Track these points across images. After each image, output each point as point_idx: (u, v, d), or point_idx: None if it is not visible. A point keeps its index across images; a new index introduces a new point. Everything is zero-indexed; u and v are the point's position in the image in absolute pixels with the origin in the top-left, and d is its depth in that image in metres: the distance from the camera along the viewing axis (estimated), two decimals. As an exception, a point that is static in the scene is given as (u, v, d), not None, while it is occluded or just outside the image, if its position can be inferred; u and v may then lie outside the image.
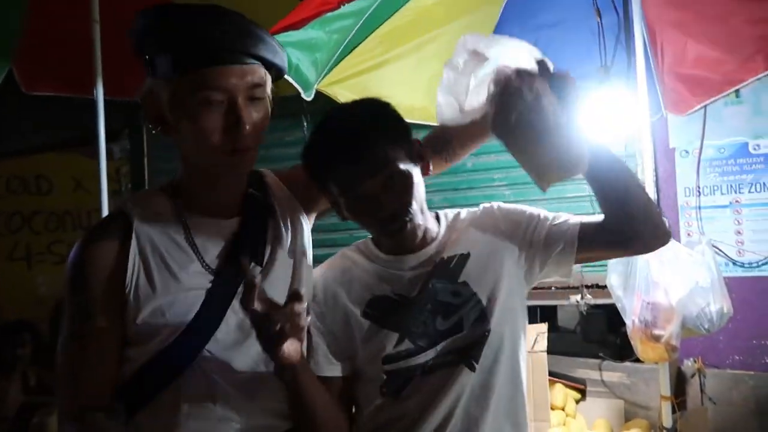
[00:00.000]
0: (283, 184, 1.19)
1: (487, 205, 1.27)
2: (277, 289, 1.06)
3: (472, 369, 1.12)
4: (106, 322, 0.97)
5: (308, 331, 1.12)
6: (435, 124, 2.68)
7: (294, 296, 0.92)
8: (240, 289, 1.01)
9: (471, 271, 1.16)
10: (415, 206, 1.10)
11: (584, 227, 1.15)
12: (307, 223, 1.18)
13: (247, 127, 0.96)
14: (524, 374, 1.18)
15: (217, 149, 0.97)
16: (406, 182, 1.10)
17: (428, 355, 1.12)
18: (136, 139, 3.49)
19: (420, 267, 1.17)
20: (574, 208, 2.51)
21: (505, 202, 2.68)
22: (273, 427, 1.07)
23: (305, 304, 0.93)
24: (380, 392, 1.13)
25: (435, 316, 1.13)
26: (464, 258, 1.17)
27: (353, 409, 1.21)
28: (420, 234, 1.16)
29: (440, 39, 2.38)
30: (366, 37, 2.12)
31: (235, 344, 1.02)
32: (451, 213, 1.26)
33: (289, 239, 1.12)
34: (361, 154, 1.06)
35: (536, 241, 1.17)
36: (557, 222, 1.18)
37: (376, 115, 1.13)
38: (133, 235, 1.00)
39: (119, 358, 0.99)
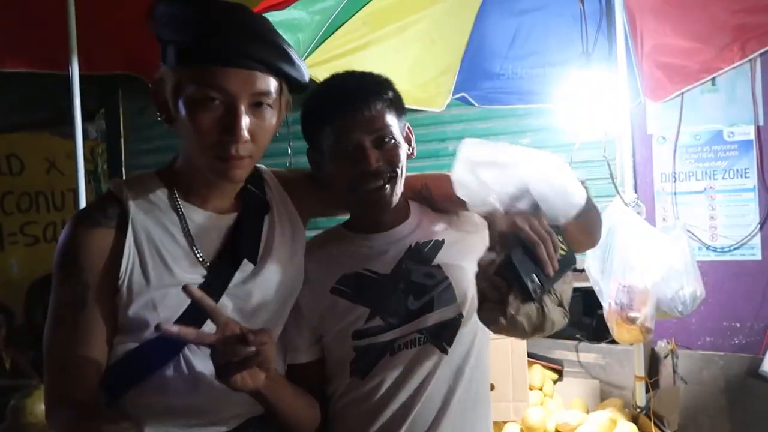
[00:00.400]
0: (280, 183, 1.18)
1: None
2: (268, 286, 1.07)
3: (444, 351, 1.13)
4: (100, 310, 0.96)
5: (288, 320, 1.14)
6: (416, 107, 2.69)
7: (259, 332, 0.86)
8: (233, 282, 1.02)
9: (445, 256, 1.17)
10: (398, 172, 1.11)
11: None
12: (300, 224, 1.17)
13: (244, 134, 0.92)
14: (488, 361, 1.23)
15: (208, 152, 0.94)
16: (396, 148, 1.11)
17: (396, 333, 1.12)
18: (112, 118, 3.42)
19: (391, 245, 1.17)
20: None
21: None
22: (253, 415, 1.07)
23: (271, 340, 0.89)
24: (350, 370, 1.14)
25: (407, 296, 1.13)
26: (439, 243, 1.18)
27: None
28: (392, 205, 1.14)
29: (423, 21, 2.38)
30: (349, 19, 2.12)
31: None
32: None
33: (284, 237, 1.12)
34: (364, 106, 1.08)
35: None
36: None
37: (382, 83, 1.14)
38: (129, 225, 0.98)
39: (108, 346, 0.98)
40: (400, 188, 1.14)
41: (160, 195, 1.02)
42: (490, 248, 0.97)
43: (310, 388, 1.15)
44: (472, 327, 1.16)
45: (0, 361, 3.45)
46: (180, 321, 0.97)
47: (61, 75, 2.71)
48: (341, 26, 2.10)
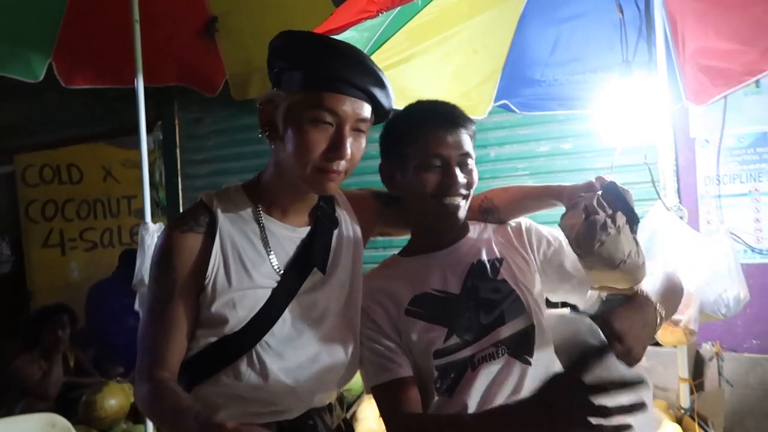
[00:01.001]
0: (348, 200, 1.30)
1: (519, 220, 1.35)
2: (333, 295, 1.18)
3: (528, 363, 1.18)
4: (184, 304, 1.09)
5: (369, 339, 1.20)
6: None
7: None
8: (302, 288, 1.14)
9: (507, 271, 1.24)
10: (471, 193, 1.23)
11: None
12: (361, 240, 1.27)
13: (347, 153, 1.06)
14: None
15: (314, 164, 1.06)
16: (473, 172, 1.23)
17: (474, 348, 1.17)
18: (169, 130, 3.61)
19: (453, 262, 1.25)
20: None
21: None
22: (314, 407, 1.18)
23: None
24: (435, 389, 1.18)
25: (478, 312, 1.19)
26: (500, 261, 1.25)
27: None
28: (462, 221, 1.25)
29: (463, 33, 2.46)
30: (393, 34, 2.20)
31: (289, 339, 1.13)
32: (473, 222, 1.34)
33: (350, 251, 1.23)
34: (456, 129, 1.21)
35: (551, 267, 1.28)
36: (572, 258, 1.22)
37: (468, 116, 1.26)
38: (218, 232, 1.11)
39: (190, 335, 1.11)
40: (467, 207, 1.24)
41: (244, 206, 1.16)
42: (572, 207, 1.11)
43: (416, 400, 1.17)
44: (543, 333, 1.21)
45: (65, 360, 3.62)
46: (254, 319, 1.10)
47: (119, 89, 2.91)
48: (386, 41, 2.19)
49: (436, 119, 1.22)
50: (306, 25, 1.65)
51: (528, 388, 1.16)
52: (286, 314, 1.13)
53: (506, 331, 1.19)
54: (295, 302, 1.14)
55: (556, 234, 1.29)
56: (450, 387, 1.17)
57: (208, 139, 3.53)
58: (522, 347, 1.19)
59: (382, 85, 1.10)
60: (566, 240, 1.14)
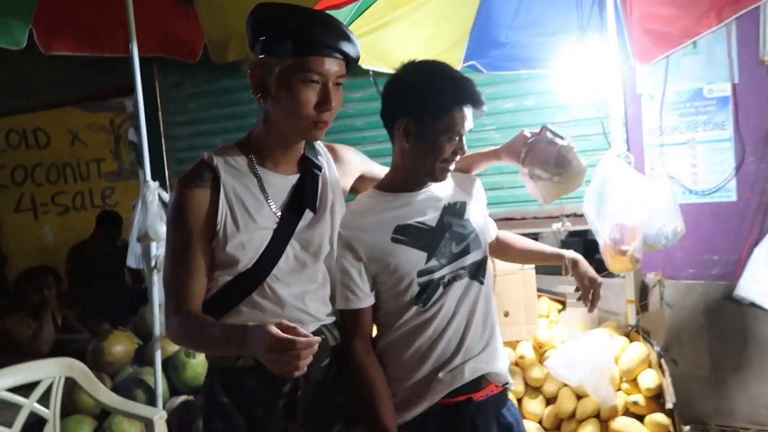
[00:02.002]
0: (328, 150, 1.49)
1: (470, 176, 1.64)
2: (324, 230, 1.39)
3: (482, 284, 1.49)
4: (201, 249, 1.28)
5: (342, 269, 1.43)
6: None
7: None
8: (298, 228, 1.34)
9: (470, 212, 1.52)
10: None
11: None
12: (340, 191, 1.45)
13: (333, 105, 1.26)
14: None
15: (306, 118, 1.26)
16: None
17: (446, 270, 1.45)
18: (149, 94, 3.67)
19: (429, 202, 1.49)
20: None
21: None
22: (325, 323, 1.41)
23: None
24: (414, 302, 1.43)
25: (451, 242, 1.46)
26: (465, 204, 1.53)
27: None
28: None
29: (434, 1, 2.64)
30: (375, 1, 2.38)
31: (293, 270, 1.35)
32: None
33: (334, 192, 1.43)
34: (479, 109, 1.40)
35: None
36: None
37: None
38: (221, 185, 1.29)
39: (207, 276, 1.30)
40: None
41: (241, 162, 1.33)
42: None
43: (367, 329, 1.44)
44: (489, 264, 1.53)
45: (53, 318, 3.72)
46: (262, 256, 1.31)
47: (93, 57, 2.94)
48: (368, 8, 2.37)
49: (468, 99, 1.38)
50: (312, 2, 1.80)
51: (480, 306, 1.47)
52: (288, 250, 1.32)
53: (470, 259, 1.47)
54: (293, 240, 1.34)
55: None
56: (426, 299, 1.43)
57: (189, 102, 3.63)
58: (479, 272, 1.48)
59: (352, 43, 1.29)
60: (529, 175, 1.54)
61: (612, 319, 2.63)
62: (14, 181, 5.45)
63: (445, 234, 1.46)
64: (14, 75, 3.83)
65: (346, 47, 1.27)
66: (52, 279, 3.82)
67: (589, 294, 1.66)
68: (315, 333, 1.38)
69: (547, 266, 2.91)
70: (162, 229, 2.45)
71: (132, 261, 2.78)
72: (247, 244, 1.29)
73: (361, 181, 1.55)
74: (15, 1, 2.61)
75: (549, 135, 1.50)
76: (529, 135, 1.56)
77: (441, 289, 1.44)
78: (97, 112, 5.62)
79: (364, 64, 2.57)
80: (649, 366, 2.16)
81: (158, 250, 2.56)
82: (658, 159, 2.82)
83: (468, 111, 1.38)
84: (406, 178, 1.49)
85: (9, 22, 2.61)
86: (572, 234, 3.21)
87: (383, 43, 2.53)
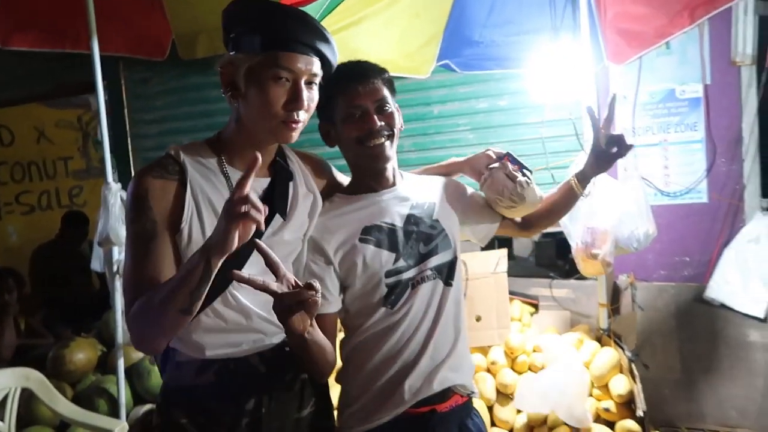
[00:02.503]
0: (299, 158, 1.45)
1: (441, 177, 1.62)
2: (293, 238, 1.34)
3: (450, 285, 1.46)
4: (164, 241, 1.18)
5: (311, 273, 1.39)
6: (403, 75, 2.93)
7: (308, 285, 1.07)
8: (266, 233, 1.28)
9: (439, 213, 1.49)
10: (394, 132, 1.42)
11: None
12: (317, 190, 1.43)
13: (305, 103, 1.21)
14: None
15: (275, 117, 1.20)
16: (392, 114, 1.42)
17: (415, 271, 1.42)
18: (114, 91, 3.58)
19: (395, 201, 1.46)
20: (528, 149, 2.86)
21: (469, 145, 2.99)
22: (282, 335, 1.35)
23: (319, 290, 1.08)
24: (382, 304, 1.41)
25: (419, 242, 1.44)
26: (433, 204, 1.50)
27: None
28: (389, 165, 1.46)
29: (407, -3, 2.60)
30: (345, -2, 2.33)
31: (261, 275, 1.24)
32: (406, 172, 1.60)
33: (305, 200, 1.39)
34: (368, 81, 1.39)
35: (471, 211, 1.59)
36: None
37: (380, 67, 1.45)
38: (188, 181, 1.21)
39: (170, 272, 1.18)
40: (395, 145, 1.44)
41: (210, 161, 1.26)
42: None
43: (332, 333, 1.38)
44: (460, 268, 1.50)
45: (16, 323, 3.61)
46: (227, 261, 1.18)
47: (58, 52, 2.86)
48: (339, 5, 2.32)
49: (349, 76, 1.39)
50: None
51: (449, 308, 1.45)
52: (254, 256, 1.25)
53: (438, 260, 1.44)
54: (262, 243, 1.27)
55: (471, 190, 1.63)
56: (394, 301, 1.41)
57: (157, 99, 3.54)
58: (448, 273, 1.46)
59: (327, 42, 1.26)
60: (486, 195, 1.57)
61: (584, 321, 2.63)
62: (-24, 180, 5.28)
63: (412, 234, 1.44)
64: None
65: (319, 44, 1.23)
66: (13, 282, 3.71)
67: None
68: (280, 345, 1.34)
69: (516, 270, 2.93)
70: (124, 232, 2.37)
71: (97, 264, 2.71)
72: None
73: (332, 190, 1.52)
74: None
75: (510, 166, 1.52)
76: (493, 156, 1.58)
77: (409, 290, 1.41)
78: (64, 109, 5.47)
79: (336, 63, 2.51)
80: (620, 371, 2.15)
81: (120, 254, 2.48)
82: (631, 160, 2.81)
83: (362, 84, 1.38)
84: (360, 178, 1.48)
85: None
86: (546, 235, 3.21)
87: (354, 41, 2.48)
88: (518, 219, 1.63)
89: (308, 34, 1.21)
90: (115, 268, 2.51)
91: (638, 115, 2.84)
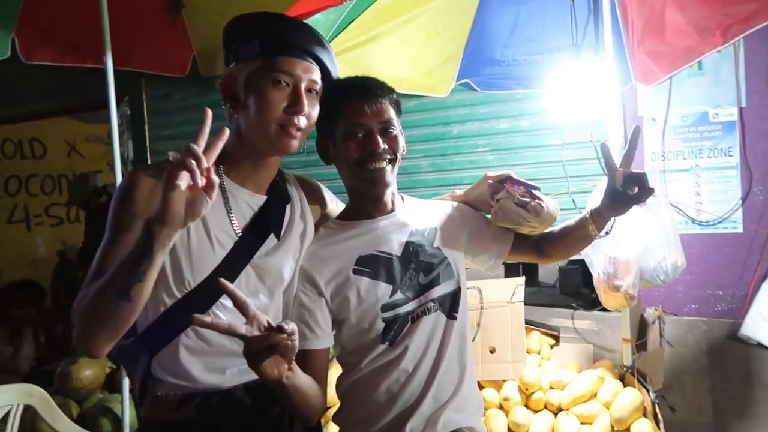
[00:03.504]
0: (299, 183, 1.40)
1: (446, 201, 1.55)
2: (285, 262, 1.27)
3: (454, 318, 1.36)
4: (134, 239, 1.07)
5: (301, 304, 1.31)
6: (421, 93, 2.86)
7: (279, 328, 0.99)
8: (258, 253, 1.21)
9: (441, 240, 1.40)
10: (396, 157, 1.34)
11: (517, 241, 1.50)
12: (311, 218, 1.37)
13: (305, 108, 1.18)
14: None
15: (274, 121, 1.17)
16: (396, 138, 1.34)
17: (415, 303, 1.33)
18: (136, 105, 3.61)
19: (393, 228, 1.38)
20: (550, 171, 2.74)
21: (488, 166, 2.89)
22: None
23: (293, 332, 1.00)
24: (380, 340, 1.32)
25: (418, 272, 1.35)
26: (435, 230, 1.41)
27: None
28: (388, 191, 1.37)
29: (427, 13, 2.54)
30: (358, 15, 2.28)
31: (248, 296, 1.18)
32: (407, 196, 1.51)
33: (300, 225, 1.33)
34: (374, 100, 1.31)
35: (475, 239, 1.49)
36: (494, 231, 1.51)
37: (388, 86, 1.38)
38: None
39: None
40: (396, 170, 1.36)
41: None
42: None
43: (321, 372, 1.30)
44: (465, 300, 1.40)
45: (36, 335, 3.63)
46: (210, 277, 1.16)
47: (85, 67, 2.90)
48: (352, 22, 2.26)
49: (355, 92, 1.32)
50: (273, 4, 1.72)
51: (453, 343, 1.34)
52: (242, 276, 1.20)
53: (439, 291, 1.35)
54: (249, 267, 1.22)
55: (479, 215, 1.52)
56: (393, 337, 1.32)
57: (176, 114, 3.54)
58: (451, 306, 1.36)
59: (326, 50, 1.25)
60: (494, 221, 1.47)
61: (607, 356, 2.47)
62: (8, 191, 5.41)
63: (410, 264, 1.35)
64: (8, 83, 3.78)
65: (318, 51, 1.22)
66: (34, 295, 3.75)
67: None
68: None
69: (539, 297, 2.80)
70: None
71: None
72: (196, 258, 1.16)
73: (323, 219, 1.45)
74: None
75: (517, 193, 1.42)
76: (491, 181, 1.47)
77: (409, 324, 1.32)
78: (95, 123, 5.59)
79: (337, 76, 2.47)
80: (644, 414, 1.99)
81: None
82: (660, 186, 2.67)
83: (368, 103, 1.30)
84: (357, 202, 1.41)
85: None
86: (572, 261, 3.07)
87: (369, 58, 2.42)
88: (534, 241, 1.52)
89: (307, 40, 1.21)
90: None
91: (668, 138, 2.70)
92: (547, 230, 1.50)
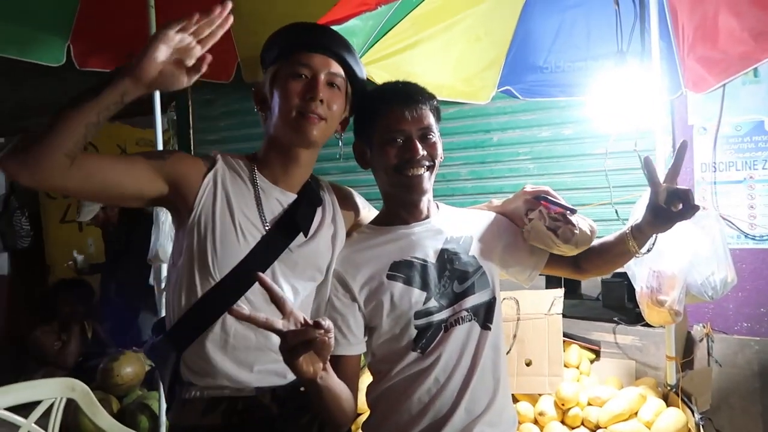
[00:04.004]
0: (333, 191, 1.41)
1: (483, 211, 1.52)
2: (312, 262, 1.27)
3: (488, 329, 1.33)
4: (142, 166, 1.14)
5: (334, 309, 1.30)
6: (461, 101, 2.83)
7: (317, 324, 0.98)
8: (285, 249, 1.22)
9: (476, 249, 1.38)
10: (435, 164, 1.33)
11: (553, 256, 1.44)
12: (343, 223, 1.37)
13: (320, 95, 1.21)
14: None
15: (293, 109, 1.21)
16: (435, 144, 1.33)
17: (448, 312, 1.31)
18: (182, 111, 3.70)
19: (428, 234, 1.36)
20: (593, 181, 2.67)
21: (528, 175, 2.84)
22: None
23: (330, 329, 0.99)
24: (411, 348, 1.29)
25: (453, 280, 1.32)
26: (470, 238, 1.39)
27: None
28: (425, 198, 1.36)
29: (468, 19, 2.52)
30: (398, 22, 2.27)
31: (268, 307, 1.18)
32: (442, 204, 1.49)
33: (330, 228, 1.33)
34: (415, 105, 1.31)
35: (510, 250, 1.44)
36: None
37: (429, 93, 1.37)
38: (215, 171, 1.22)
39: (116, 175, 1.11)
40: (433, 177, 1.34)
41: (244, 167, 1.27)
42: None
43: (353, 379, 1.29)
44: (499, 310, 1.37)
45: (83, 331, 3.76)
46: (237, 269, 1.18)
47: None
48: (392, 29, 2.26)
49: (396, 97, 1.31)
50: (312, 10, 1.74)
51: (486, 354, 1.31)
52: (267, 272, 1.20)
53: (474, 300, 1.32)
54: (277, 263, 1.22)
55: (515, 226, 1.46)
56: (425, 345, 1.29)
57: (220, 120, 3.62)
58: (485, 316, 1.33)
59: (349, 49, 1.29)
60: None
61: (651, 374, 2.37)
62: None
63: (445, 271, 1.33)
64: (61, 89, 3.93)
65: (339, 49, 1.26)
66: (81, 292, 3.88)
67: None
68: (295, 383, 1.25)
69: (581, 310, 2.71)
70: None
71: (152, 280, 2.75)
72: (222, 250, 1.18)
73: (356, 226, 1.45)
74: (53, 19, 2.70)
75: (548, 215, 1.37)
76: (528, 197, 1.43)
77: (442, 332, 1.30)
78: (145, 128, 5.74)
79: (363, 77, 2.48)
80: (688, 436, 1.90)
81: (168, 272, 2.50)
82: (710, 198, 2.56)
83: (409, 109, 1.29)
84: (392, 208, 1.39)
85: (47, 38, 2.71)
86: (615, 275, 2.97)
87: (408, 65, 2.41)
88: (570, 258, 1.45)
89: (327, 39, 1.26)
90: (162, 285, 2.53)
91: (720, 148, 2.59)
92: None
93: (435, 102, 1.35)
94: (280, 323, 1.00)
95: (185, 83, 1.04)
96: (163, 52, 0.97)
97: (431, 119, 1.32)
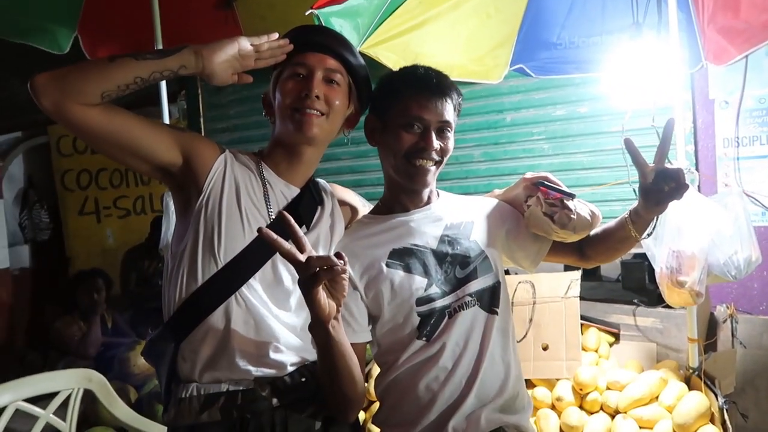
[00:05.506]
0: (335, 193, 1.43)
1: (484, 198, 1.50)
2: (315, 250, 1.24)
3: (495, 313, 1.30)
4: (159, 129, 1.19)
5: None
6: (473, 80, 2.76)
7: (338, 254, 1.04)
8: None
9: (478, 234, 1.36)
10: (443, 160, 1.31)
11: (556, 242, 1.40)
12: (341, 217, 1.39)
13: (315, 91, 1.24)
14: None
15: (291, 104, 1.25)
16: (449, 141, 1.32)
17: (451, 298, 1.29)
18: (192, 101, 3.69)
19: (428, 221, 1.35)
20: (610, 160, 2.59)
21: (543, 155, 2.77)
22: (306, 362, 1.27)
23: (346, 266, 1.04)
24: (416, 335, 1.28)
25: (454, 266, 1.31)
26: (471, 224, 1.37)
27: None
28: (430, 184, 1.34)
29: (475, -3, 2.44)
30: (405, 0, 2.20)
31: (273, 285, 1.23)
32: (443, 192, 1.47)
33: (330, 226, 1.34)
34: (441, 96, 1.29)
35: (512, 236, 1.42)
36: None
37: (456, 86, 1.35)
38: (224, 156, 1.26)
39: (137, 131, 1.16)
40: (435, 173, 1.33)
41: (251, 162, 1.31)
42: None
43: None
44: (506, 294, 1.35)
45: (103, 321, 3.81)
46: (241, 255, 1.19)
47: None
48: (398, 8, 2.19)
49: (423, 84, 1.29)
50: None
51: (495, 339, 1.29)
52: (270, 263, 1.23)
53: (477, 285, 1.29)
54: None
55: (517, 213, 1.44)
56: (429, 332, 1.27)
57: (229, 107, 3.61)
58: (490, 300, 1.31)
59: (343, 44, 1.32)
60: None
61: (672, 357, 2.32)
62: (79, 184, 5.65)
63: (446, 257, 1.31)
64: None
65: (329, 43, 1.29)
66: (101, 283, 3.94)
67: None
68: (296, 374, 1.25)
69: (601, 292, 2.66)
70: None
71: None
72: (227, 235, 1.19)
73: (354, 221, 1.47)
74: (60, 9, 2.72)
75: (545, 201, 1.34)
76: (528, 183, 1.40)
77: (446, 319, 1.28)
78: (158, 118, 5.77)
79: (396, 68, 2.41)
80: (711, 421, 1.84)
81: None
82: (734, 175, 2.48)
83: (433, 99, 1.27)
84: (393, 194, 1.38)
85: (54, 27, 2.75)
86: (635, 255, 2.90)
87: (417, 45, 2.34)
88: (575, 242, 1.41)
89: (320, 35, 1.32)
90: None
91: (743, 123, 2.50)
92: None
93: (461, 99, 1.35)
94: (300, 255, 1.03)
95: (227, 82, 1.20)
96: (233, 51, 1.15)
97: (452, 115, 1.32)
